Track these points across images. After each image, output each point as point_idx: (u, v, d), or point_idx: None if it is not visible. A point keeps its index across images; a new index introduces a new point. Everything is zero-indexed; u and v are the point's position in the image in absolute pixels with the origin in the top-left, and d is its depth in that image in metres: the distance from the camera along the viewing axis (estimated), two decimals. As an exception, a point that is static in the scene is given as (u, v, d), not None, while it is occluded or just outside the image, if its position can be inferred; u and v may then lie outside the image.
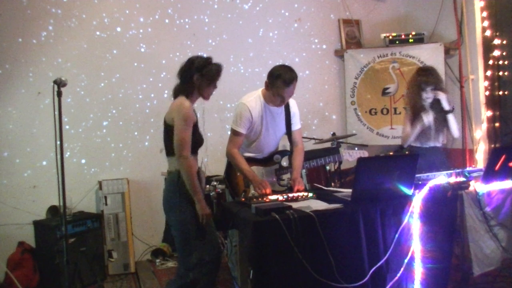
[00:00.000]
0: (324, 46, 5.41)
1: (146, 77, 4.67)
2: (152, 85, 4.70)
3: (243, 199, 2.97)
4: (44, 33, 4.27)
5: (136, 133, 4.65)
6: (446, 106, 3.72)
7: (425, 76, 3.72)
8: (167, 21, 4.77)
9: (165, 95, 4.73)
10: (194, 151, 2.84)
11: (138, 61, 4.64)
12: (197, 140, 2.85)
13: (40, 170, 4.23)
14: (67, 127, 4.29)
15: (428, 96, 3.71)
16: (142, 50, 4.65)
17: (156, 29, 4.72)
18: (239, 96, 3.30)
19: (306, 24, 5.33)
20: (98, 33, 4.48)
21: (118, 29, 4.56)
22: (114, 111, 4.56)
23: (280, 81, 3.02)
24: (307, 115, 5.28)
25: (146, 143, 4.68)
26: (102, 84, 4.51)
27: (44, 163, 4.24)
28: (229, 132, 3.29)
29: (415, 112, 3.77)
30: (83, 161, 4.43)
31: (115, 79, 4.55)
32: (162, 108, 4.68)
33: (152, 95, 4.69)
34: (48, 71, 4.24)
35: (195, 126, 2.81)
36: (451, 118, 3.76)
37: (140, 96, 4.66)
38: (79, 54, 4.40)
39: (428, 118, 3.74)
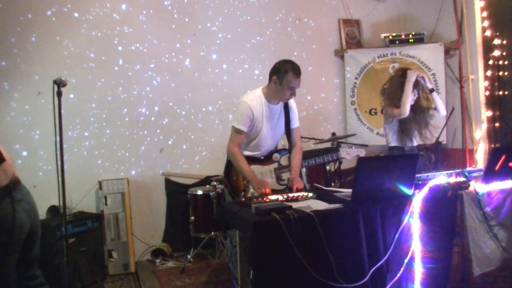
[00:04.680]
0: (324, 46, 5.41)
1: (145, 77, 4.66)
2: (151, 85, 4.69)
3: (243, 199, 2.97)
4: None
5: (136, 133, 4.64)
6: (429, 85, 3.82)
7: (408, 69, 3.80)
8: (164, 17, 4.73)
9: (165, 97, 4.73)
10: None
11: (136, 61, 4.62)
12: None
13: (40, 170, 4.23)
14: (67, 127, 4.28)
15: (411, 79, 3.69)
16: (140, 49, 4.65)
17: (153, 27, 4.67)
18: (238, 97, 3.29)
19: (306, 24, 5.32)
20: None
21: (116, 26, 4.53)
22: (113, 112, 4.55)
23: (291, 73, 3.08)
24: (307, 115, 5.28)
25: (146, 143, 4.68)
26: (100, 84, 4.49)
27: (44, 163, 4.24)
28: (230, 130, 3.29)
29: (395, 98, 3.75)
30: (83, 161, 4.43)
31: (112, 79, 4.54)
32: (162, 108, 4.72)
33: (152, 95, 4.68)
34: (49, 71, 4.22)
35: None
36: (435, 96, 3.82)
37: (139, 97, 4.64)
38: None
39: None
